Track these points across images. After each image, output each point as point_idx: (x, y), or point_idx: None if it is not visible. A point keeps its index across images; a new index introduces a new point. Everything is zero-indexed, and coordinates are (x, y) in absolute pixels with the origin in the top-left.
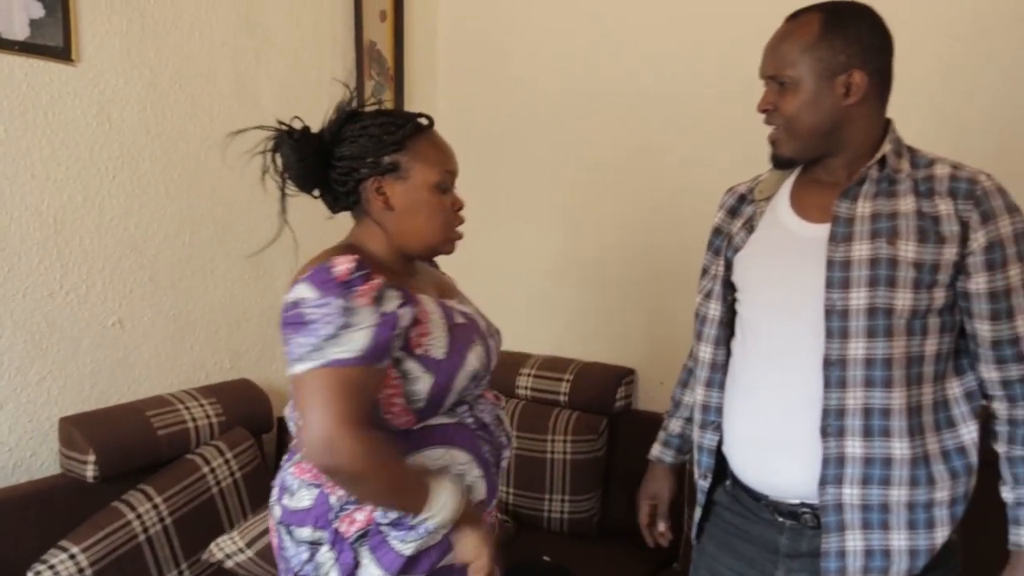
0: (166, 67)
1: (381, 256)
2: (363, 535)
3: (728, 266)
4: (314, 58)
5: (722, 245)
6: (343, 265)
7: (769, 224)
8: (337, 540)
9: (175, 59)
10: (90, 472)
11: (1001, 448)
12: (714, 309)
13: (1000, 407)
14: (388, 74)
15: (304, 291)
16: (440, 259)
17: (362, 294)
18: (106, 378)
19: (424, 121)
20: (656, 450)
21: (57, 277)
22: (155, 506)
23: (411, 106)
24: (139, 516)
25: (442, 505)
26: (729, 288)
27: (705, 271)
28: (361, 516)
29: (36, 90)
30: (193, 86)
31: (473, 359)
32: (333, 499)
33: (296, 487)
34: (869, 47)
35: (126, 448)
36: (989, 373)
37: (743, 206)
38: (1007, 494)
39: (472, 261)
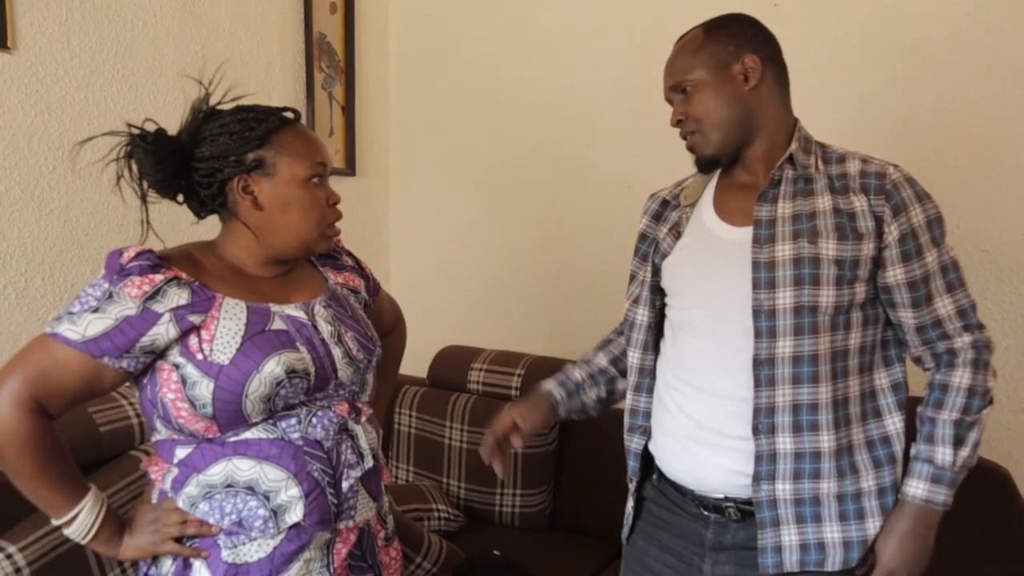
0: (108, 56)
1: (236, 259)
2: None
3: (656, 271)
4: (262, 50)
5: (649, 251)
6: (129, 252)
7: (695, 229)
8: None
9: (118, 48)
10: None
11: (919, 409)
12: (642, 314)
13: (928, 375)
14: (339, 67)
15: (102, 269)
16: (395, 252)
17: (133, 285)
18: None
19: (289, 115)
20: (549, 383)
21: None
22: None
23: (363, 100)
24: None
25: (80, 522)
26: (657, 293)
27: (633, 277)
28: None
29: None
30: (137, 76)
31: (273, 366)
32: (166, 486)
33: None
34: (754, 37)
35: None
36: (919, 352)
37: (668, 211)
38: (912, 449)
39: (424, 255)
